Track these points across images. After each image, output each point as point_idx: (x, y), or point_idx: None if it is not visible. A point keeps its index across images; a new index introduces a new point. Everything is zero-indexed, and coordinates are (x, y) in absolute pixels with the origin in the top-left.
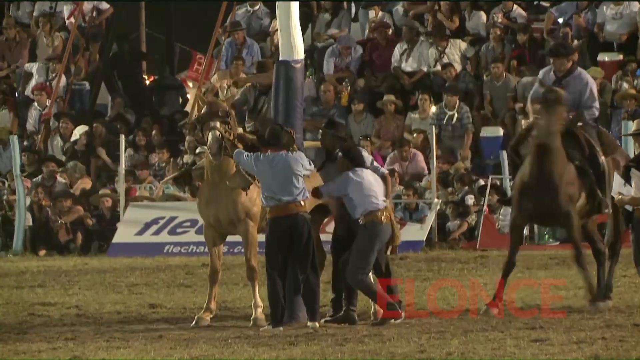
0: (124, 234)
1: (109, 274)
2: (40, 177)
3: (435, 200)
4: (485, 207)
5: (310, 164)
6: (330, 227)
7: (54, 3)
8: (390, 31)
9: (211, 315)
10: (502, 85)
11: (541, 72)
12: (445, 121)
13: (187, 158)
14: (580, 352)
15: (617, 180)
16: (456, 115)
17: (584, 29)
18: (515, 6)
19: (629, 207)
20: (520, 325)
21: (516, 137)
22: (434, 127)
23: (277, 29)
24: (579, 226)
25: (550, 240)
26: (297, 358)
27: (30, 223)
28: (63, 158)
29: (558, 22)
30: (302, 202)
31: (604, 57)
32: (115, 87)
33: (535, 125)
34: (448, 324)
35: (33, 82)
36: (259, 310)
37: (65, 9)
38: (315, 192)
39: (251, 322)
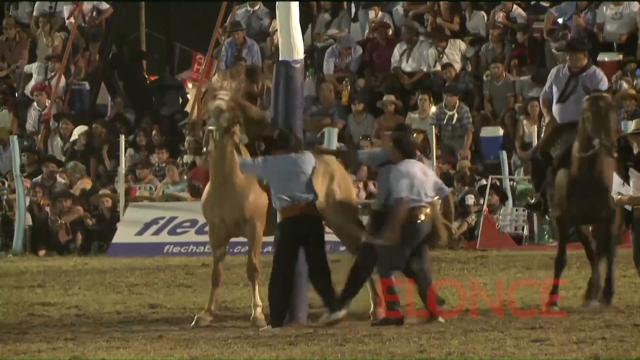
0: (123, 234)
1: (108, 274)
2: (40, 177)
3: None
4: (485, 207)
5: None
6: None
7: (54, 3)
8: (390, 31)
9: (211, 318)
10: (502, 85)
11: (554, 70)
12: (445, 121)
13: (187, 158)
14: (580, 352)
15: (615, 180)
16: (456, 115)
17: (583, 29)
18: (515, 6)
19: (628, 207)
20: (520, 325)
21: (545, 141)
22: (433, 127)
23: (277, 29)
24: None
25: (550, 240)
26: (297, 358)
27: (30, 223)
28: (63, 158)
29: (558, 22)
30: (316, 203)
31: (603, 57)
32: (115, 87)
33: (593, 135)
34: (448, 324)
35: (33, 82)
36: (259, 310)
37: (65, 9)
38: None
39: (250, 322)
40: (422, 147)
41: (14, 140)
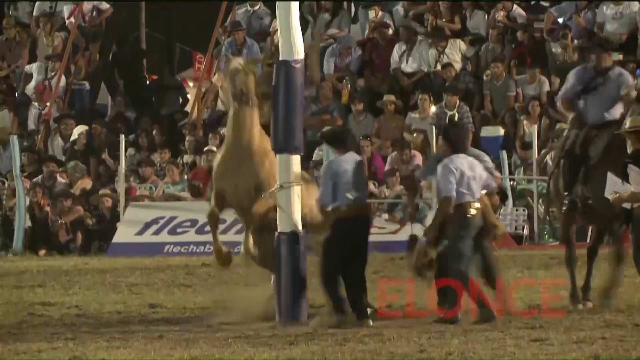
0: (124, 234)
1: (109, 274)
2: (40, 177)
3: (435, 199)
4: None
5: None
6: None
7: (54, 3)
8: (390, 31)
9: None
10: (502, 85)
11: (577, 70)
12: (445, 121)
13: (187, 158)
14: (580, 352)
15: (611, 180)
16: (456, 115)
17: (583, 28)
18: (515, 6)
19: (627, 205)
20: (520, 324)
21: (572, 140)
22: (434, 127)
23: (277, 29)
24: None
25: (551, 240)
26: (297, 358)
27: (30, 223)
28: (63, 158)
29: (558, 22)
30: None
31: None
32: (115, 86)
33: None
34: (448, 323)
35: (33, 82)
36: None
37: (65, 9)
38: None
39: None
40: (422, 147)
41: (14, 140)
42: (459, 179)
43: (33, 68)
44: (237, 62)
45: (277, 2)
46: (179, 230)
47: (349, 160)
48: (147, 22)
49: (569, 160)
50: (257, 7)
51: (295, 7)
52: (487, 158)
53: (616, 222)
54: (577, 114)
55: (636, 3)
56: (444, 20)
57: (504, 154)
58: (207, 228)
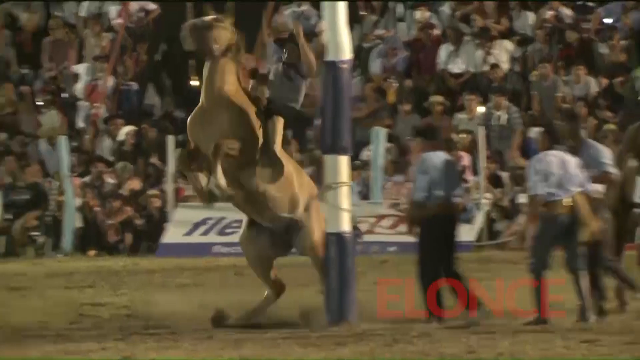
0: (172, 235)
1: (158, 275)
2: (89, 177)
3: (483, 200)
4: None
5: None
6: None
7: (101, 3)
8: (437, 32)
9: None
10: (550, 86)
11: None
12: (493, 122)
13: None
14: (630, 354)
15: None
16: (504, 115)
17: (630, 29)
18: (562, 6)
19: None
20: (570, 326)
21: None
22: (482, 127)
23: (324, 30)
24: None
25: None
26: (345, 358)
27: (80, 224)
28: (112, 158)
29: (605, 23)
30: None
31: None
32: (163, 87)
33: None
34: (498, 324)
35: (81, 83)
36: None
37: (113, 10)
38: None
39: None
40: (470, 148)
41: (63, 140)
42: (546, 177)
43: (81, 69)
44: (201, 20)
45: (323, 3)
46: (227, 230)
47: (441, 157)
48: None
49: None
50: (304, 8)
51: (341, 7)
52: (604, 156)
53: None
54: None
55: None
56: (491, 20)
57: None
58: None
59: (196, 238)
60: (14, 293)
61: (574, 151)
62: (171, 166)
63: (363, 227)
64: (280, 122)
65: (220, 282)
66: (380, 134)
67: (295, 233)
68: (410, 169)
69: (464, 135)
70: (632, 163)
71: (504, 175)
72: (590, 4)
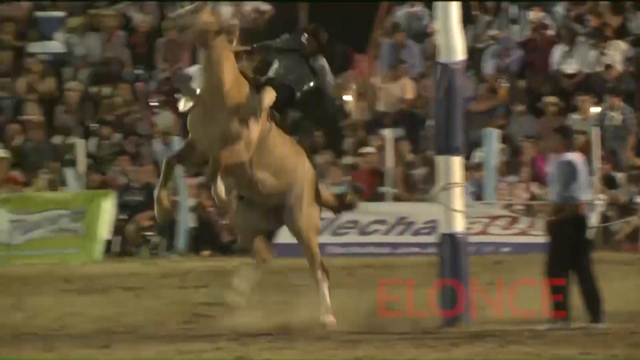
0: (287, 235)
1: (272, 275)
2: (202, 177)
3: (598, 201)
4: None
5: None
6: None
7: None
8: (551, 32)
9: None
10: None
11: None
12: (607, 122)
13: (348, 159)
14: None
15: None
16: (618, 116)
17: None
18: None
19: None
20: None
21: None
22: (596, 128)
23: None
24: None
25: None
26: (459, 359)
27: (194, 224)
28: None
29: None
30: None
31: None
32: None
33: None
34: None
35: (195, 84)
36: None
37: (226, 11)
38: None
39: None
40: (584, 148)
41: (177, 141)
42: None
43: (194, 70)
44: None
45: (436, 3)
46: (340, 231)
47: (577, 159)
48: (308, 22)
49: None
50: (416, 8)
51: (454, 7)
52: None
53: None
54: None
55: None
56: (605, 20)
57: None
58: (370, 229)
59: None
60: (129, 293)
61: None
62: None
63: (476, 228)
64: (269, 94)
65: (333, 283)
66: (493, 134)
67: (286, 214)
68: (546, 170)
69: (578, 136)
70: None
71: (619, 176)
72: None
